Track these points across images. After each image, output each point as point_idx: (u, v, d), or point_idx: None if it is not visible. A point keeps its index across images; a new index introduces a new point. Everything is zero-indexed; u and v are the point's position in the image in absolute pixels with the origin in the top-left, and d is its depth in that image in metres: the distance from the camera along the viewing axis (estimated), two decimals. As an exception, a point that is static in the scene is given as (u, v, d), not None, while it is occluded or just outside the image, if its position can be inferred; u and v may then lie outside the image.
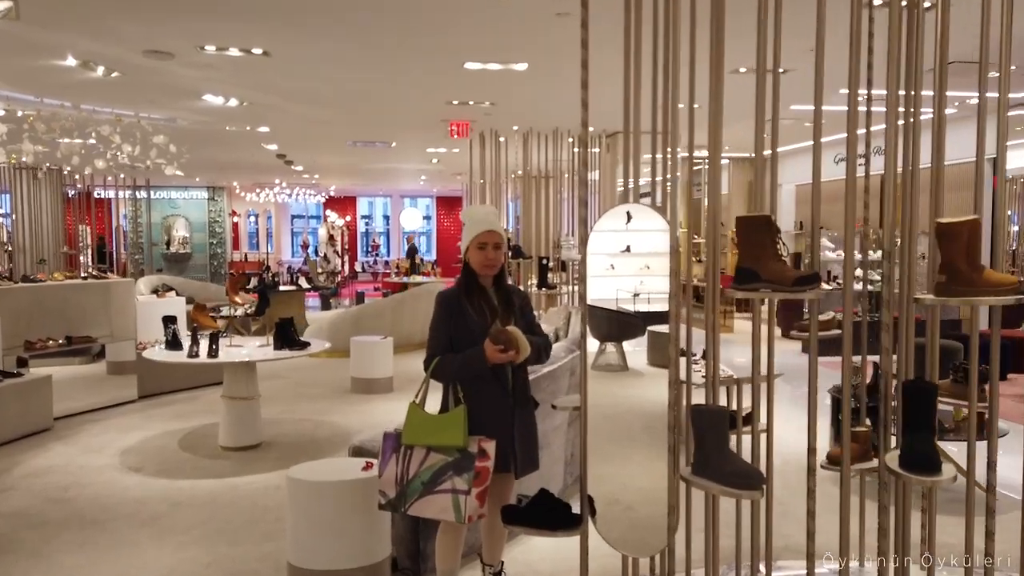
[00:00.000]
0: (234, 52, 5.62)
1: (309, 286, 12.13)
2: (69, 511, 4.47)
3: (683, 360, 2.65)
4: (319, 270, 17.92)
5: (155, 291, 13.02)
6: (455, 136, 8.58)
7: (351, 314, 10.05)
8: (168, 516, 4.37)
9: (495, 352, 2.74)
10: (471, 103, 7.54)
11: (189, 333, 5.90)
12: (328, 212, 22.08)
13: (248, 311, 6.25)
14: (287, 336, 5.57)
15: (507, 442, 2.85)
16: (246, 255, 20.29)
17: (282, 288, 11.71)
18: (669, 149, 2.69)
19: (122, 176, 15.49)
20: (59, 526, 4.23)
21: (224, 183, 18.88)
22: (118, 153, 8.21)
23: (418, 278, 14.71)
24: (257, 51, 5.60)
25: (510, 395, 2.90)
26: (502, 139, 9.41)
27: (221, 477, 5.07)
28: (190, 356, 5.37)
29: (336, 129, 9.44)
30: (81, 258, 15.01)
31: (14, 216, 12.57)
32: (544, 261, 8.86)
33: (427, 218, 25.40)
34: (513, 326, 2.83)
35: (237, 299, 5.43)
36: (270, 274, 12.14)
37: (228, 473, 5.15)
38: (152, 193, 20.43)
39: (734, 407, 3.20)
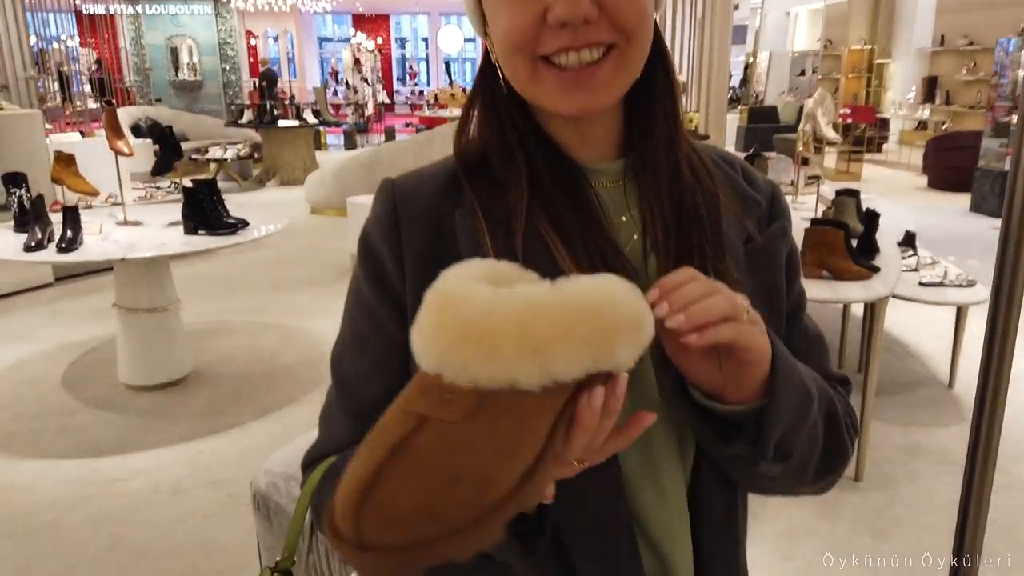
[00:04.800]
0: None
1: (317, 121, 9.62)
2: None
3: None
4: (345, 101, 15.28)
5: (135, 127, 10.77)
6: None
7: (362, 158, 7.61)
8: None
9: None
10: None
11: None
12: (356, 32, 18.98)
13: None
14: (203, 212, 3.22)
15: None
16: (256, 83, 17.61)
17: (282, 124, 9.21)
18: None
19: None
20: None
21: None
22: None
23: (441, 112, 12.08)
24: None
25: None
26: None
27: (98, 455, 2.98)
28: (29, 249, 3.08)
29: None
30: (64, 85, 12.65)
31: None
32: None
33: (469, 40, 22.09)
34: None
35: (121, 145, 3.06)
36: (270, 106, 9.54)
37: (113, 445, 3.05)
38: (149, 8, 17.65)
39: None
